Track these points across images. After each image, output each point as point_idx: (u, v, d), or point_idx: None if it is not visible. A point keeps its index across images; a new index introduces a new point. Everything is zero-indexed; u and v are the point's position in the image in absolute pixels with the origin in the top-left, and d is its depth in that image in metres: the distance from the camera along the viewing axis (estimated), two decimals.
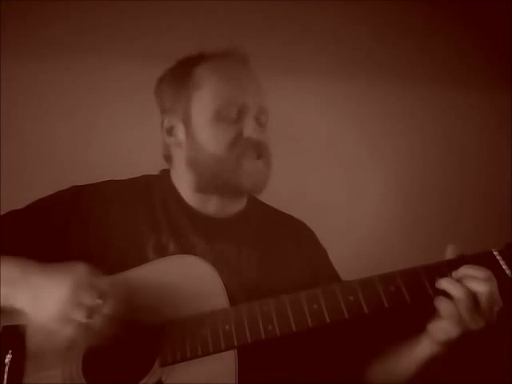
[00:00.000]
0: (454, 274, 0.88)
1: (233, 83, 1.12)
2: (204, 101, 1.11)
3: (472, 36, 2.12)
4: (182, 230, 1.11)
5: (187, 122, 1.13)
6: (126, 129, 1.92)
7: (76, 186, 1.15)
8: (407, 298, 0.88)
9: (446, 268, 0.89)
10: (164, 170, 1.22)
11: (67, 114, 1.92)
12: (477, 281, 0.86)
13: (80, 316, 0.85)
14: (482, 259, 0.89)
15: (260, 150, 1.10)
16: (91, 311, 0.86)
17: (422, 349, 0.95)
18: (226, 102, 1.10)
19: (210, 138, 1.10)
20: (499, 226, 2.03)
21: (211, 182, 1.11)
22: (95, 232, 1.09)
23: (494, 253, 0.89)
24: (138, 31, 1.96)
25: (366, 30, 2.10)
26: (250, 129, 1.09)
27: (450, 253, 0.92)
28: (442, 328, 0.88)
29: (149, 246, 1.08)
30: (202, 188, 1.12)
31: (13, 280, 0.93)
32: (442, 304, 0.87)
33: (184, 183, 1.15)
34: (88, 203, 1.12)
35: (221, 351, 0.90)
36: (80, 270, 0.91)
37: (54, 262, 0.95)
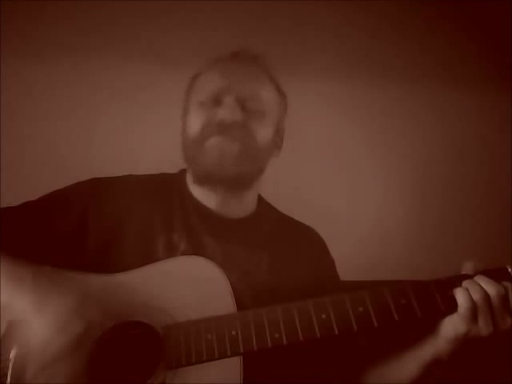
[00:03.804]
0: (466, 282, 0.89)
1: (221, 73, 1.14)
2: (195, 92, 1.17)
3: (472, 36, 2.12)
4: (196, 229, 1.11)
5: (185, 113, 1.18)
6: (127, 128, 1.93)
7: (95, 179, 1.16)
8: (418, 312, 0.87)
9: (459, 283, 0.89)
10: (182, 169, 1.22)
11: (68, 114, 1.92)
12: (490, 283, 0.87)
13: (78, 328, 0.85)
14: (496, 274, 0.89)
15: (234, 131, 1.08)
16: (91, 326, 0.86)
17: (427, 348, 0.95)
18: (209, 90, 1.12)
19: (191, 123, 1.13)
20: (499, 224, 2.04)
21: (193, 168, 1.13)
22: (111, 225, 1.09)
23: (509, 270, 0.89)
24: (139, 31, 1.96)
25: (366, 30, 2.10)
26: (225, 111, 1.09)
27: (466, 270, 0.92)
28: (454, 323, 0.88)
29: (160, 243, 1.07)
30: (195, 178, 1.13)
31: (22, 279, 0.92)
32: (460, 294, 0.87)
33: (189, 178, 1.16)
34: (106, 196, 1.12)
35: (226, 357, 0.89)
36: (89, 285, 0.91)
37: (70, 255, 0.96)
